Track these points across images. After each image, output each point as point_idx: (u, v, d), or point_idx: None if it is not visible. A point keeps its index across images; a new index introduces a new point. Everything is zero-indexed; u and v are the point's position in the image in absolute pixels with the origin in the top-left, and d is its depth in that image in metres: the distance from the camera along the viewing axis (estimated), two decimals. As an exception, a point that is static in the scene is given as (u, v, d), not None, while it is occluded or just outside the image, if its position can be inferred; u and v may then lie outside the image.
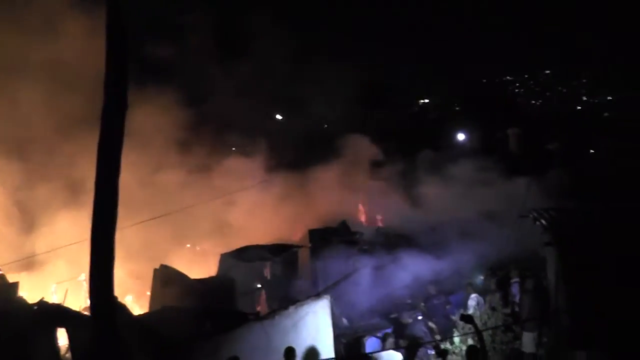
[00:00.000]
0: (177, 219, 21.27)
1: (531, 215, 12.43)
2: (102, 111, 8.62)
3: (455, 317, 13.63)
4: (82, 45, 20.63)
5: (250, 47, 31.86)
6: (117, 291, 11.87)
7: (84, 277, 18.43)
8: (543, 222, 11.50)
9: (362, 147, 24.91)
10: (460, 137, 29.68)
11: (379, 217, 21.51)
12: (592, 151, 22.11)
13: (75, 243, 16.52)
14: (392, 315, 14.54)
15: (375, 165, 25.61)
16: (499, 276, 15.36)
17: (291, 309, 11.71)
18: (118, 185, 8.69)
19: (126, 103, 8.71)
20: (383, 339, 11.85)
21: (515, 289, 14.89)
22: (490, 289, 15.15)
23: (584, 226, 10.69)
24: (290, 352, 10.78)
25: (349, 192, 21.55)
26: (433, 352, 12.87)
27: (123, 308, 11.56)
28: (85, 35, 20.65)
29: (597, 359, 9.22)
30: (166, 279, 14.83)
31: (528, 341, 13.05)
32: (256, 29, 32.10)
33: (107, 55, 8.68)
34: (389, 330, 13.00)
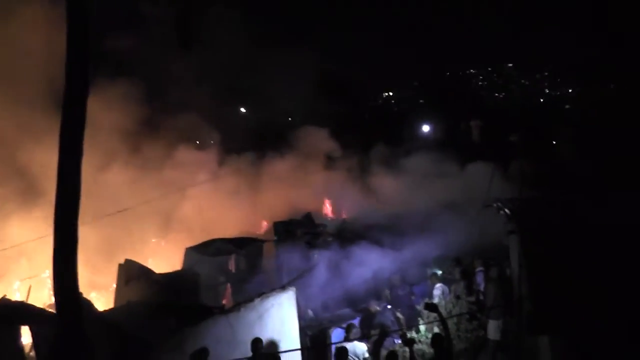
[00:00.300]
0: (141, 214, 21.11)
1: (495, 205, 12.56)
2: (63, 98, 8.41)
3: (420, 307, 13.73)
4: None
5: (207, 38, 31.62)
6: (82, 287, 11.78)
7: (47, 273, 18.18)
8: (506, 211, 11.64)
9: (319, 140, 24.78)
10: (425, 129, 29.88)
11: (343, 210, 21.55)
12: (553, 142, 22.43)
13: (37, 239, 16.28)
14: (361, 307, 14.56)
15: (339, 158, 25.71)
16: (463, 266, 15.49)
17: (256, 301, 11.69)
18: (80, 175, 8.50)
19: (88, 89, 8.51)
20: (347, 330, 11.86)
21: (479, 278, 15.07)
22: (455, 279, 15.29)
23: (546, 215, 10.84)
24: (257, 344, 10.77)
25: (314, 185, 21.51)
26: (399, 341, 12.93)
27: (87, 304, 11.37)
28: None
29: (558, 345, 9.36)
30: (130, 273, 14.67)
31: (493, 328, 13.21)
32: (213, 19, 31.87)
33: (69, 38, 8.43)
34: (353, 322, 13.01)
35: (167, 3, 31.04)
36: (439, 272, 16.09)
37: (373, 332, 12.87)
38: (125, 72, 25.47)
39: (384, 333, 12.41)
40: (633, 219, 9.63)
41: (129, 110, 23.50)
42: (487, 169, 15.00)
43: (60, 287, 8.97)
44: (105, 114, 21.62)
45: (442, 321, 10.86)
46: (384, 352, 12.14)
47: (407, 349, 11.48)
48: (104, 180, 21.59)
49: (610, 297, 8.81)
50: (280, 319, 12.13)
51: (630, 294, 8.74)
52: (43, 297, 17.75)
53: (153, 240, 23.99)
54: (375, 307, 14.10)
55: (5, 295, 14.09)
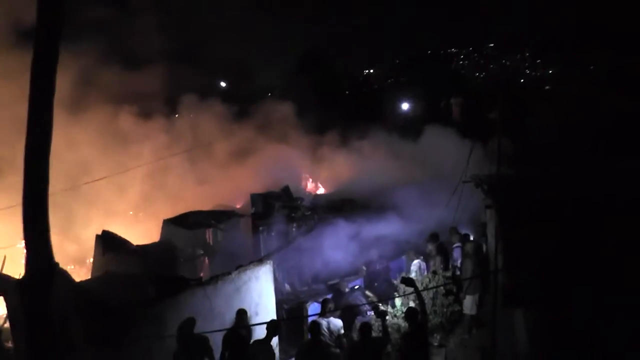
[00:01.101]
0: (118, 185, 21.05)
1: (473, 181, 12.67)
2: (31, 66, 8.19)
3: (397, 281, 13.82)
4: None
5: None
6: (59, 260, 11.70)
7: (23, 244, 18.01)
8: (484, 186, 11.75)
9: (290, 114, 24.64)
10: (404, 106, 29.88)
11: (322, 185, 21.56)
12: (532, 120, 22.57)
13: (8, 207, 16.12)
14: (331, 282, 14.61)
15: (319, 134, 25.68)
16: (440, 241, 15.60)
17: (234, 274, 11.75)
18: (50, 140, 8.29)
19: (57, 56, 8.28)
20: (322, 305, 11.89)
21: (456, 253, 15.20)
22: (432, 254, 15.40)
23: (522, 190, 10.95)
24: (242, 314, 10.85)
25: (293, 159, 21.46)
26: (372, 314, 13.00)
27: (64, 274, 11.28)
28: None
29: (533, 318, 9.49)
30: (108, 244, 14.57)
31: (469, 303, 13.39)
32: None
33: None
34: (328, 296, 13.07)
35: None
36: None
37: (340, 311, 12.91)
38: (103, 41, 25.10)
39: (352, 314, 12.41)
40: (609, 193, 9.76)
41: (107, 79, 23.30)
42: (467, 145, 15.00)
43: (32, 257, 8.78)
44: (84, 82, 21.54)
45: (418, 295, 10.94)
46: (357, 325, 12.25)
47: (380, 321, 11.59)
48: (80, 149, 21.49)
49: (584, 271, 8.95)
50: (258, 292, 12.21)
51: (605, 268, 8.88)
52: (19, 267, 17.58)
53: (130, 212, 23.93)
54: (345, 286, 14.16)
55: (-22, 266, 13.96)
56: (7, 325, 12.85)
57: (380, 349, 10.62)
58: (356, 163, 19.27)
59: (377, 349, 10.56)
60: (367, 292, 14.22)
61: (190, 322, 9.84)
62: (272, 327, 10.71)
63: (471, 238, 15.55)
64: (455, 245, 15.39)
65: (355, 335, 12.44)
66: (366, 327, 10.70)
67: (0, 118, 19.65)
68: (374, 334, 11.00)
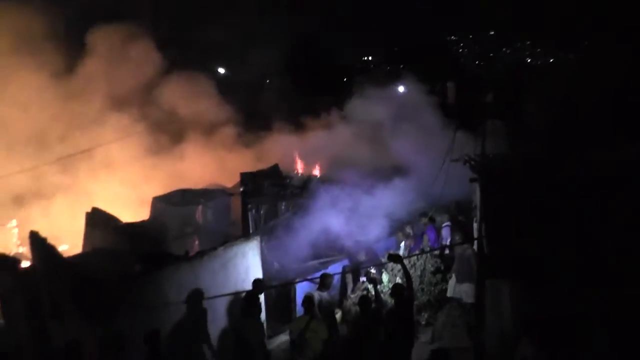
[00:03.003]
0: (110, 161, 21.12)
1: (462, 159, 12.71)
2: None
3: (384, 258, 13.79)
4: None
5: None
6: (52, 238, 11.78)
7: (14, 223, 18.09)
8: (472, 162, 11.81)
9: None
10: (400, 89, 29.73)
11: (313, 166, 21.47)
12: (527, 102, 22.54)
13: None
14: (322, 261, 14.64)
15: (314, 117, 25.64)
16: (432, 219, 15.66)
17: (220, 249, 11.76)
18: None
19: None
20: (322, 278, 11.91)
21: (445, 232, 15.23)
22: (420, 233, 15.45)
23: (508, 165, 11.03)
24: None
25: (284, 140, 21.42)
26: (364, 279, 12.99)
27: (51, 248, 11.33)
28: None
29: (516, 291, 9.56)
30: (96, 221, 14.61)
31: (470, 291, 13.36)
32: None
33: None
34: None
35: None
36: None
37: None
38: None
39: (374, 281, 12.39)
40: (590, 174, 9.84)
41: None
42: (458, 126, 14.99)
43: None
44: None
45: (405, 272, 10.95)
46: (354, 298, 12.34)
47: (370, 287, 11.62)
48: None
49: (567, 245, 9.04)
50: (245, 268, 12.23)
51: (586, 243, 8.97)
52: (9, 246, 17.65)
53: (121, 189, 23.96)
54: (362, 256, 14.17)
55: (-32, 244, 13.99)
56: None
57: (379, 320, 10.66)
58: (348, 143, 19.15)
59: (376, 321, 10.61)
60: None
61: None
62: (256, 285, 10.84)
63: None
64: (444, 224, 15.42)
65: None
66: (365, 301, 10.74)
67: None
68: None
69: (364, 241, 14.67)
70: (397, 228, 15.83)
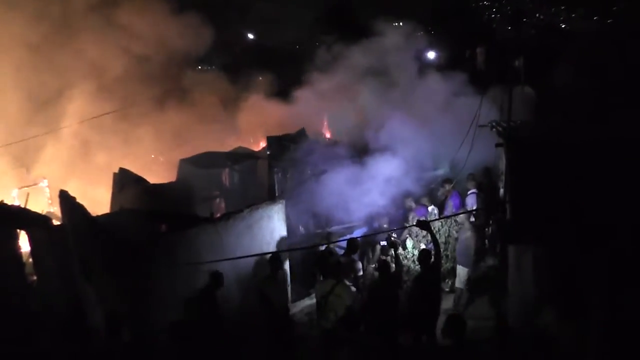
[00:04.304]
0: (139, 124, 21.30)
1: (489, 124, 12.56)
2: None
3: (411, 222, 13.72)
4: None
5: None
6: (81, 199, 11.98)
7: (46, 183, 18.37)
8: (499, 128, 11.67)
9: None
10: (430, 55, 29.31)
11: (339, 131, 21.32)
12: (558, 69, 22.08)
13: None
14: (346, 225, 14.63)
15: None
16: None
17: (245, 212, 11.81)
18: None
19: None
20: (349, 243, 11.94)
21: (471, 200, 15.08)
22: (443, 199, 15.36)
23: (534, 131, 10.89)
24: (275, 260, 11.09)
25: (311, 104, 21.25)
26: (384, 243, 12.98)
27: (80, 207, 11.51)
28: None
29: (540, 256, 9.51)
30: (124, 182, 14.76)
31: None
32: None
33: None
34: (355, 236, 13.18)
35: None
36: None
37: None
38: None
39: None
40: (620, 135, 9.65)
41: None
42: (487, 92, 14.75)
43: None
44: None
45: (433, 238, 10.88)
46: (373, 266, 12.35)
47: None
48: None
49: (593, 211, 8.93)
50: (270, 230, 12.30)
51: (612, 208, 8.84)
52: (41, 205, 17.95)
53: (152, 156, 24.17)
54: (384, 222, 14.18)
55: (2, 201, 14.28)
56: (30, 260, 13.18)
57: (398, 284, 10.66)
58: (372, 110, 18.90)
59: (395, 285, 10.62)
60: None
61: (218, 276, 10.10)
62: (273, 260, 10.98)
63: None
64: (470, 192, 15.27)
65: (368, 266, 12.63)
66: (384, 264, 10.72)
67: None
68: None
69: (386, 207, 14.63)
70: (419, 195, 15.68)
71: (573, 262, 8.80)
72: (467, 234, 13.24)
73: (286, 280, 11.97)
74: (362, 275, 12.12)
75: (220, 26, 29.93)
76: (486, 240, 15.18)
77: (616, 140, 9.42)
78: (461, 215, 13.75)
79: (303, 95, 20.84)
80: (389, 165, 14.33)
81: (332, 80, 20.49)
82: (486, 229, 15.14)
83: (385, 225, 13.99)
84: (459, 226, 13.83)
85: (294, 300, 13.12)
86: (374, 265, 12.37)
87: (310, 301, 12.80)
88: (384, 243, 12.94)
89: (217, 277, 10.06)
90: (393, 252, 11.45)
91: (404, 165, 14.43)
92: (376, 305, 10.35)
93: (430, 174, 16.19)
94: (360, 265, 12.31)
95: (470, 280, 13.28)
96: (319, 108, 20.66)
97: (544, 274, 9.61)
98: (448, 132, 14.96)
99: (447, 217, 13.88)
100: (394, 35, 20.90)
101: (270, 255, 11.26)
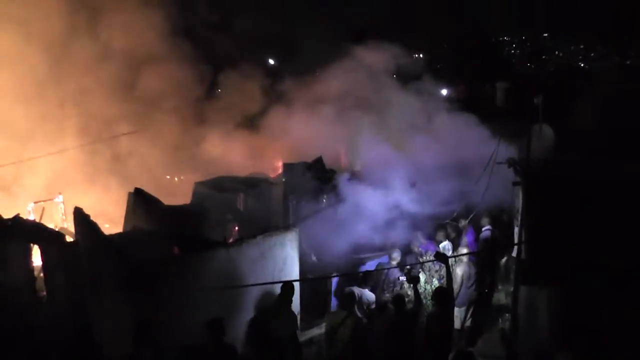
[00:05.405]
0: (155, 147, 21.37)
1: (507, 162, 12.52)
2: None
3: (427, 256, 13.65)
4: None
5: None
6: (96, 218, 12.01)
7: (61, 198, 18.43)
8: (517, 166, 11.62)
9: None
10: (445, 91, 29.46)
11: (357, 161, 21.30)
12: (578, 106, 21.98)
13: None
14: (360, 256, 14.56)
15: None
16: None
17: (259, 238, 11.73)
18: None
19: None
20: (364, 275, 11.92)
21: (485, 236, 15.00)
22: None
23: (552, 170, 10.82)
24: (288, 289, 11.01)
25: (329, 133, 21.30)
26: (404, 278, 12.87)
27: (94, 226, 11.54)
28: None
29: (555, 298, 9.39)
30: (139, 202, 14.75)
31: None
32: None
33: None
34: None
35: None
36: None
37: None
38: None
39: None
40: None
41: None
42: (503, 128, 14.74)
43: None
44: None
45: (448, 274, 10.78)
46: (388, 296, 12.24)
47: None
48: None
49: (609, 251, 8.82)
50: (282, 258, 12.21)
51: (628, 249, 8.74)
52: (55, 220, 18.01)
53: (167, 177, 24.26)
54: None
55: (18, 214, 14.31)
56: (42, 275, 13.18)
57: (415, 321, 10.52)
58: (392, 144, 18.90)
59: (412, 321, 10.48)
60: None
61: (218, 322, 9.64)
62: (285, 290, 10.87)
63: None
64: (485, 229, 15.20)
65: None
66: (399, 299, 10.62)
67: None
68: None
69: (399, 241, 14.59)
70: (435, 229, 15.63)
71: (591, 305, 8.67)
72: (463, 269, 13.14)
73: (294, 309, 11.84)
74: (375, 308, 12.05)
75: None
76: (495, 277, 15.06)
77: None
78: (463, 250, 13.69)
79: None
80: (404, 198, 14.30)
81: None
82: (499, 265, 15.03)
83: (397, 257, 13.90)
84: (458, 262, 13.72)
85: (303, 329, 12.99)
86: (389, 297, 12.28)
87: (319, 331, 12.68)
88: (403, 278, 12.87)
89: (215, 327, 9.46)
90: (412, 288, 11.28)
91: (419, 198, 14.38)
92: (390, 340, 10.25)
93: (444, 209, 16.06)
94: (373, 297, 12.24)
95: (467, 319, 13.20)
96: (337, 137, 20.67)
97: (559, 316, 9.48)
98: (465, 168, 14.92)
99: (462, 255, 13.76)
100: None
101: (282, 284, 11.16)
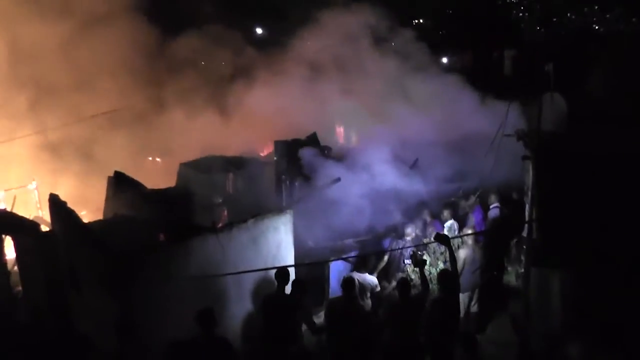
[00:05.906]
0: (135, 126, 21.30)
1: (515, 134, 12.50)
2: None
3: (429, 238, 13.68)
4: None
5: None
6: (73, 204, 11.96)
7: (34, 185, 18.38)
8: (527, 139, 11.61)
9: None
10: (447, 60, 29.39)
11: (354, 137, 21.30)
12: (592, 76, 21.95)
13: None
14: (359, 239, 14.58)
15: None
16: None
17: (250, 222, 11.71)
18: None
19: None
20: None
21: (493, 214, 15.05)
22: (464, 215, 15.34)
23: (563, 144, 10.80)
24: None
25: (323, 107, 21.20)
26: (409, 262, 12.93)
27: (71, 214, 11.50)
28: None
29: (568, 280, 9.42)
30: (119, 186, 14.69)
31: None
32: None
33: None
34: None
35: None
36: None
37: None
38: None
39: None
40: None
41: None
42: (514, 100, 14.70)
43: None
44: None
45: (451, 256, 10.82)
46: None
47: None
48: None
49: (626, 231, 8.84)
50: (276, 243, 12.22)
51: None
52: (29, 209, 17.97)
53: (149, 158, 24.19)
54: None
55: (-13, 203, 14.29)
56: (15, 268, 13.18)
57: (421, 306, 10.54)
58: (392, 116, 18.81)
59: (417, 307, 10.51)
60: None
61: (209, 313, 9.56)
62: (280, 276, 10.98)
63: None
64: (493, 206, 15.24)
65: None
66: (405, 283, 10.65)
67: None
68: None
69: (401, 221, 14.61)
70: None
71: (607, 289, 8.71)
72: (466, 253, 13.20)
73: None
74: (379, 292, 12.11)
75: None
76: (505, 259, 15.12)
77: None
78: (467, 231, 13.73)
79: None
80: (407, 176, 14.29)
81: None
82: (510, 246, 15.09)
83: (408, 238, 13.93)
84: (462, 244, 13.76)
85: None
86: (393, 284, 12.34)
87: (318, 319, 12.74)
88: (408, 261, 12.91)
89: (205, 319, 9.34)
90: (419, 271, 11.29)
91: (424, 175, 14.39)
92: (395, 329, 10.31)
93: (451, 186, 16.10)
94: (375, 280, 12.30)
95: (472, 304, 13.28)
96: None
97: (572, 300, 9.53)
98: (471, 142, 14.92)
99: (469, 234, 13.79)
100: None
101: (276, 270, 11.18)
